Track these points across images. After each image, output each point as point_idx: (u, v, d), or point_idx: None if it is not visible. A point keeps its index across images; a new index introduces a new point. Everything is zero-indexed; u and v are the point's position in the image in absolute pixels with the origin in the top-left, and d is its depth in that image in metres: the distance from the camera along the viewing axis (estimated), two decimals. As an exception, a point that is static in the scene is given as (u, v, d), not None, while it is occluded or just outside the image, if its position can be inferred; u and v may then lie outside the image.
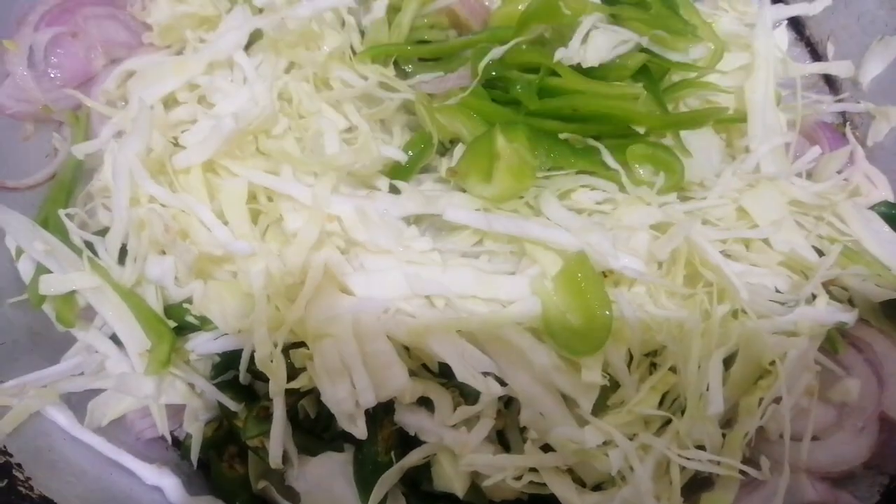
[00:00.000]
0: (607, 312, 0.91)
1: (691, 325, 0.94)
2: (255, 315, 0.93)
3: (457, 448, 0.93)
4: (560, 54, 1.07)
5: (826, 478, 0.99)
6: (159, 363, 0.97)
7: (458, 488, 0.96)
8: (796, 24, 1.42)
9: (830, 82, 1.39)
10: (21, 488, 0.89)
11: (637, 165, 1.06)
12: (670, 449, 0.91)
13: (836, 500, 0.96)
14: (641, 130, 1.10)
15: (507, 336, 0.93)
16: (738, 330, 0.93)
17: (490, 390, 0.91)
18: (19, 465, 0.92)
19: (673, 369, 0.96)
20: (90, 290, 1.01)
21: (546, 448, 0.95)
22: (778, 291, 1.03)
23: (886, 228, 1.09)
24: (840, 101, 1.34)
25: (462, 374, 0.91)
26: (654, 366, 0.99)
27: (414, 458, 0.96)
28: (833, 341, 1.03)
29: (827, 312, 0.99)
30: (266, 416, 0.97)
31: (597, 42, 1.09)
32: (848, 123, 1.35)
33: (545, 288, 0.94)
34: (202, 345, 1.00)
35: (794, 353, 0.93)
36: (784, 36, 1.38)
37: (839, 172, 1.20)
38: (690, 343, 0.93)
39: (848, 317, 1.00)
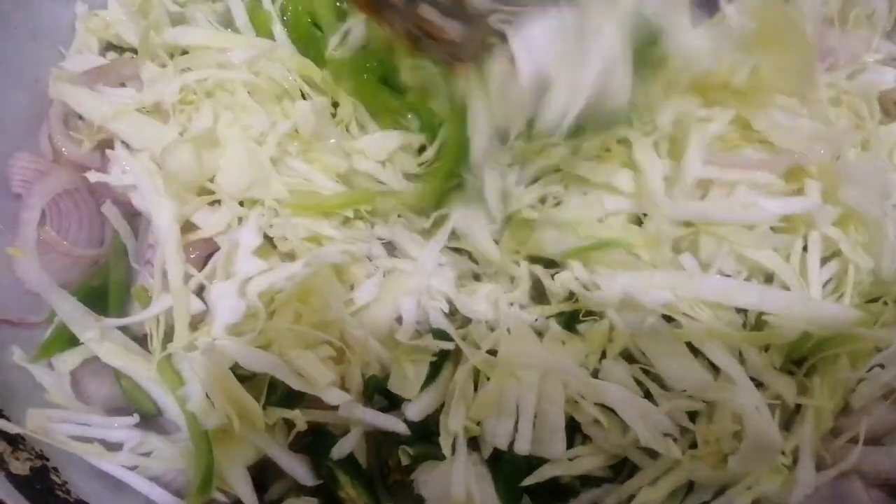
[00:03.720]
0: None
1: None
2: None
3: None
4: None
5: (885, 485, 0.93)
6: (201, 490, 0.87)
7: None
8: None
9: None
10: (59, 492, 0.87)
11: None
12: None
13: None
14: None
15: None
16: None
17: (672, 454, 0.90)
18: (56, 469, 0.90)
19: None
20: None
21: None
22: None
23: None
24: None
25: (647, 440, 0.89)
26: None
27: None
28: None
29: None
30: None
31: None
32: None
33: None
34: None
35: None
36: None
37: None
38: None
39: None
